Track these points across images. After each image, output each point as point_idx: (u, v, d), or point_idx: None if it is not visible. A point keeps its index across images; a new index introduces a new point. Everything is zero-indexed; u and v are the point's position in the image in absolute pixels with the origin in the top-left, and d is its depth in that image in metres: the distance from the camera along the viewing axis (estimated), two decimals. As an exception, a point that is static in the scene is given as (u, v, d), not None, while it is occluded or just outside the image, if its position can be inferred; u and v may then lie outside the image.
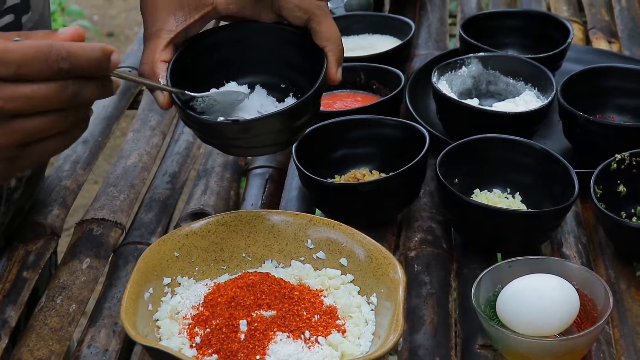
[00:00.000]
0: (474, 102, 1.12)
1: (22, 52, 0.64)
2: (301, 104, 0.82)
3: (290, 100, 0.88)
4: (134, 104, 1.25)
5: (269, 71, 0.89)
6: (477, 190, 1.00)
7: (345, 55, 1.20)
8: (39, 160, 0.70)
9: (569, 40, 1.18)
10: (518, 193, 1.00)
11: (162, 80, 0.83)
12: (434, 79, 1.10)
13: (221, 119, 0.84)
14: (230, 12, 0.87)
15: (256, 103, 0.87)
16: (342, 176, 1.02)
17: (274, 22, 0.88)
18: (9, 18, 0.87)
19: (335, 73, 0.86)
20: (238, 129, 0.82)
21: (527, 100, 1.10)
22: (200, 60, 0.88)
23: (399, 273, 0.81)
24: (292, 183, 1.07)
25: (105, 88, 0.69)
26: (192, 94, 0.83)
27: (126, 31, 3.42)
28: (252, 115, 0.85)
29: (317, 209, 1.02)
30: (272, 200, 1.05)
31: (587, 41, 1.38)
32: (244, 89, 0.87)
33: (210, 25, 0.91)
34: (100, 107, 1.20)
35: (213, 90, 0.86)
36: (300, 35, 0.86)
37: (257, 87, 0.89)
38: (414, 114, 1.11)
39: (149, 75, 0.84)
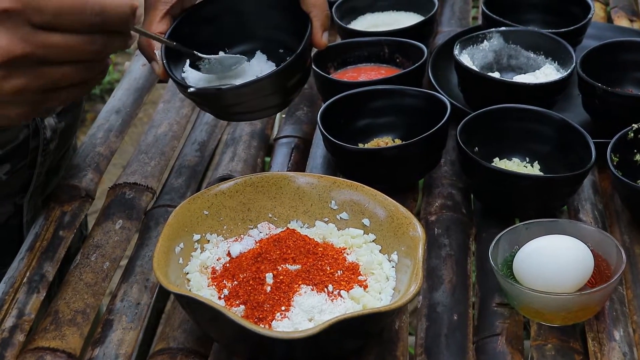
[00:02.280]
0: (495, 76, 1.15)
1: (59, 3, 0.67)
2: (283, 68, 0.84)
3: None
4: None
5: (267, 37, 0.92)
6: (496, 159, 1.03)
7: (370, 30, 1.25)
8: (61, 105, 0.73)
9: (589, 15, 1.20)
10: (537, 162, 1.02)
11: (157, 53, 0.86)
12: (456, 52, 1.13)
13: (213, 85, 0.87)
14: None
15: (256, 68, 0.91)
16: (366, 144, 1.06)
17: None
18: None
19: (321, 38, 0.88)
20: (232, 94, 0.85)
21: (547, 74, 1.13)
22: (198, 30, 0.91)
23: (419, 231, 0.84)
24: (317, 152, 1.10)
25: (127, 42, 0.73)
26: (200, 54, 0.86)
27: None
28: None
29: (341, 176, 1.05)
30: (298, 168, 1.08)
31: (609, 20, 1.40)
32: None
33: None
34: (132, 79, 1.24)
35: (215, 57, 0.89)
36: (292, 1, 0.89)
37: (258, 52, 0.92)
38: (436, 85, 1.14)
39: (146, 46, 0.87)
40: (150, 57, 0.88)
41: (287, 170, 1.07)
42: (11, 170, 1.00)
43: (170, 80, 1.23)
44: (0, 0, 0.67)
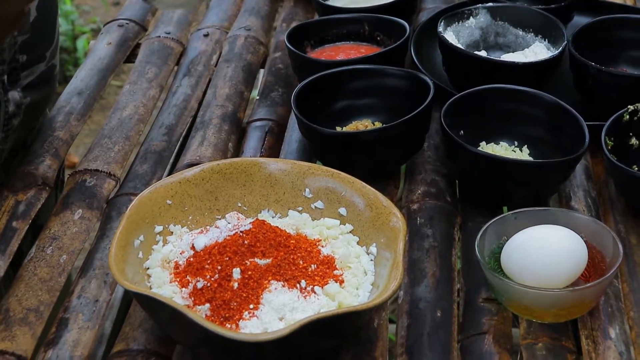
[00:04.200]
0: (481, 54, 1.08)
1: None
2: None
3: None
4: (131, 57, 1.21)
5: None
6: (483, 143, 0.97)
7: (349, 6, 1.18)
8: None
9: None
10: (526, 146, 0.96)
11: None
12: (440, 29, 1.06)
13: None
14: None
15: None
16: (344, 128, 0.99)
17: None
18: None
19: None
20: None
21: (537, 52, 1.06)
22: None
23: (400, 222, 0.78)
24: (292, 136, 1.03)
25: None
26: None
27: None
28: None
29: (317, 162, 0.99)
30: (271, 153, 1.02)
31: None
32: None
33: None
34: (96, 59, 1.17)
35: None
36: None
37: None
38: (419, 65, 1.07)
39: None
40: None
41: (261, 156, 1.01)
42: None
43: (138, 60, 1.17)
44: None
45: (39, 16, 0.97)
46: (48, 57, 1.00)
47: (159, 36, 1.22)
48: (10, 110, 0.94)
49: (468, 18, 1.10)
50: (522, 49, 1.09)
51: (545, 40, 1.08)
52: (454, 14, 1.09)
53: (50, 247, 0.88)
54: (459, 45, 1.06)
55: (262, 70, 1.20)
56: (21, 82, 0.96)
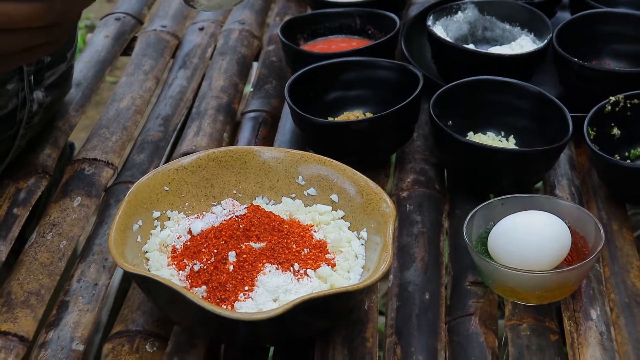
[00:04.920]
0: (469, 47, 1.11)
1: None
2: None
3: None
4: (128, 50, 1.24)
5: None
6: (470, 133, 0.99)
7: (341, 1, 1.21)
8: (17, 65, 0.73)
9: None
10: (512, 136, 0.99)
11: None
12: (429, 23, 1.09)
13: None
14: None
15: None
16: (336, 118, 1.02)
17: None
18: None
19: None
20: None
21: (523, 45, 1.09)
22: None
23: (390, 207, 0.81)
24: (285, 126, 1.06)
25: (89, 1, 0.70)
26: None
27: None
28: None
29: (310, 151, 1.01)
30: (265, 143, 1.04)
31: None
32: None
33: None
34: (93, 52, 1.19)
35: None
36: None
37: None
38: (409, 57, 1.10)
39: None
40: None
41: (254, 145, 1.03)
42: None
43: (134, 52, 1.20)
44: None
45: None
46: (69, 57, 1.02)
47: (155, 29, 1.25)
48: (34, 109, 0.97)
49: (456, 12, 1.13)
50: (509, 43, 1.12)
51: (531, 33, 1.11)
52: (442, 9, 1.12)
53: (51, 233, 0.90)
54: (448, 39, 1.09)
55: (255, 64, 1.23)
56: (45, 82, 0.98)
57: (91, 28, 2.72)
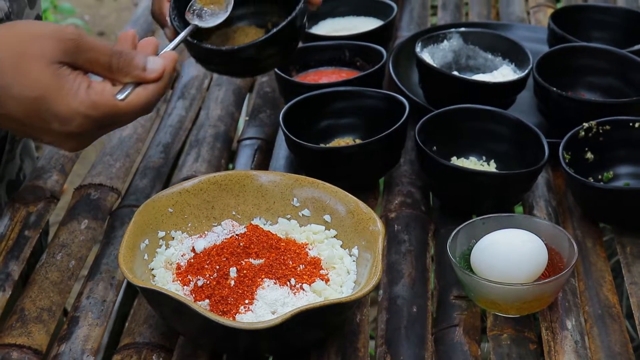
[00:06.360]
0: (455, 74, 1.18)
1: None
2: (277, 32, 0.97)
3: None
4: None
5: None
6: (454, 158, 1.06)
7: (331, 35, 1.27)
8: None
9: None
10: (493, 160, 1.06)
11: (168, 19, 0.97)
12: (417, 49, 1.16)
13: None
14: None
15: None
16: (327, 145, 1.08)
17: None
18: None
19: None
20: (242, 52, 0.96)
21: (504, 74, 1.16)
22: None
23: (379, 226, 0.87)
24: (280, 153, 1.12)
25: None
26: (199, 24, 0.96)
27: (117, 31, 3.47)
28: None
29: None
30: (261, 168, 1.10)
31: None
32: None
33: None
34: (97, 83, 1.25)
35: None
36: None
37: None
38: (397, 81, 1.16)
39: (159, 14, 0.97)
40: (162, 24, 0.98)
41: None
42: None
43: None
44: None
45: None
46: None
47: (154, 62, 1.31)
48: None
49: (442, 41, 1.20)
50: (491, 71, 1.19)
51: (512, 63, 1.18)
52: (429, 37, 1.19)
53: (60, 254, 0.96)
54: (435, 65, 1.16)
55: (248, 95, 1.29)
56: None
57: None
